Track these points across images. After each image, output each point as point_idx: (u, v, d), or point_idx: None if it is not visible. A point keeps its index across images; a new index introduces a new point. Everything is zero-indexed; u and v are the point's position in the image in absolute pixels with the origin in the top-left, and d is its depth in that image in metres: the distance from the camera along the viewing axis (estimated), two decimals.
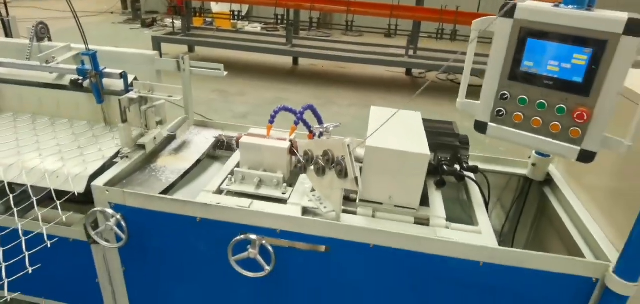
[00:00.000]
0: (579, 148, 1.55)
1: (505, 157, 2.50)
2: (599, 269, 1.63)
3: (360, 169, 1.78)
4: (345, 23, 9.53)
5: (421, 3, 8.46)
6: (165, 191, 2.01)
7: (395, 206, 1.86)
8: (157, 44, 8.35)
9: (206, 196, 1.93)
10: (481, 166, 2.39)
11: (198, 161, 2.33)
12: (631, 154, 1.54)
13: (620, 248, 1.56)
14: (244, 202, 1.88)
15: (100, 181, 1.92)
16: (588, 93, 1.47)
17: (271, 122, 2.08)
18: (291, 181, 2.07)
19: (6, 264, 1.78)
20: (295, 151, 2.00)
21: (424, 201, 1.96)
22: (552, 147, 1.60)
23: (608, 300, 1.62)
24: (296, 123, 2.08)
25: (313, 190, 1.96)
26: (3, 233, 1.91)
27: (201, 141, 2.51)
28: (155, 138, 2.27)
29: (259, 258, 1.76)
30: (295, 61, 9.52)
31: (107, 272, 2.13)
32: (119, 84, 2.31)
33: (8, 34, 5.17)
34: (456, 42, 8.13)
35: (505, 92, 1.61)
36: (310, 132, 2.11)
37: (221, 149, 2.53)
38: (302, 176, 2.07)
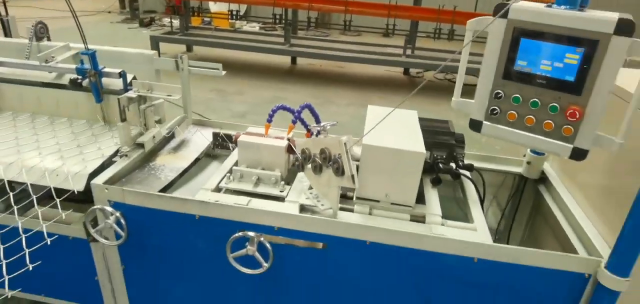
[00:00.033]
0: (571, 146, 1.57)
1: (501, 155, 2.52)
2: (591, 265, 1.66)
3: (357, 167, 1.80)
4: (343, 23, 9.55)
5: (419, 3, 8.49)
6: (164, 189, 2.03)
7: (392, 203, 1.88)
8: (155, 43, 8.36)
9: (205, 194, 1.95)
10: (477, 164, 2.42)
11: (196, 160, 2.35)
12: (623, 152, 1.57)
13: (612, 245, 1.59)
14: (242, 200, 1.90)
15: (99, 179, 1.95)
16: (580, 92, 1.49)
17: (269, 121, 2.10)
18: (289, 179, 2.09)
19: (6, 261, 1.80)
20: (293, 149, 2.02)
21: (420, 198, 1.99)
22: (545, 145, 1.62)
23: (600, 295, 1.65)
24: (294, 122, 2.10)
25: (310, 188, 1.98)
26: (2, 231, 1.93)
27: (200, 139, 2.53)
28: (154, 137, 2.29)
29: (257, 255, 1.79)
30: (294, 61, 9.54)
31: (106, 270, 2.15)
32: (117, 83, 2.33)
33: (7, 33, 5.18)
34: (454, 41, 8.16)
35: (500, 91, 1.63)
36: (308, 131, 2.13)
37: (219, 147, 2.55)
38: (300, 174, 2.09)
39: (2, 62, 2.46)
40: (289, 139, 2.07)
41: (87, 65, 2.28)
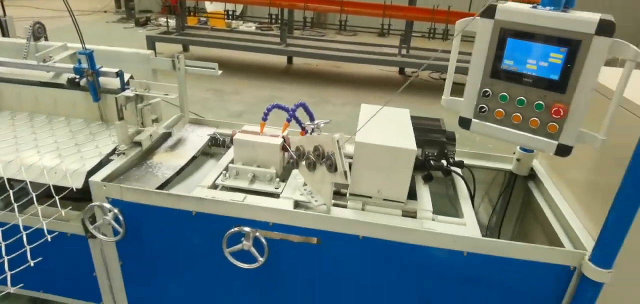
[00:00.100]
0: (556, 142, 1.63)
1: (493, 153, 2.58)
2: (576, 258, 1.71)
3: (350, 164, 1.85)
4: (338, 22, 9.60)
5: (413, 3, 8.55)
6: (162, 187, 2.07)
7: (384, 199, 1.93)
8: (151, 43, 8.38)
9: (201, 190, 1.99)
10: (468, 161, 2.48)
11: (193, 158, 2.39)
12: (607, 149, 1.63)
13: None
14: (238, 196, 1.94)
15: (97, 177, 1.98)
16: (564, 90, 1.55)
17: (264, 119, 2.15)
18: (284, 177, 2.14)
19: (8, 257, 1.83)
20: (287, 147, 2.07)
21: (412, 195, 2.04)
22: (532, 141, 1.68)
23: (584, 287, 1.70)
24: (288, 120, 2.15)
25: (305, 184, 2.03)
26: (2, 229, 1.96)
27: (196, 138, 2.57)
28: (151, 135, 2.33)
29: (253, 250, 1.83)
30: (290, 60, 9.58)
31: (104, 266, 2.18)
32: (115, 83, 2.37)
33: (5, 33, 5.18)
34: (448, 41, 8.19)
35: (487, 89, 1.68)
36: (303, 129, 2.17)
37: (216, 146, 2.59)
38: (295, 171, 2.14)
39: (0, 62, 2.49)
40: (283, 137, 2.11)
41: (85, 65, 2.32)
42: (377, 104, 2.26)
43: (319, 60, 9.22)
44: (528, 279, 1.78)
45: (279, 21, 9.81)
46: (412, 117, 2.20)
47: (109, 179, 2.02)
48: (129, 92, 2.20)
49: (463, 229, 1.85)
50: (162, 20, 11.00)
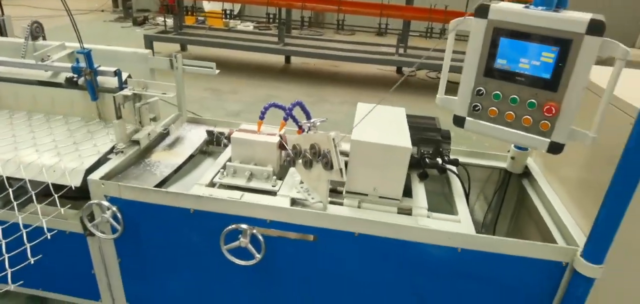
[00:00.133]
0: (548, 140, 1.65)
1: (487, 151, 2.61)
2: (568, 254, 1.74)
3: (346, 162, 1.87)
4: (336, 22, 9.62)
5: (411, 2, 8.57)
6: (160, 185, 2.09)
7: (380, 197, 1.96)
8: (149, 42, 8.38)
9: (199, 188, 2.01)
10: (463, 159, 2.51)
11: (191, 156, 2.41)
12: (599, 147, 1.65)
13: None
14: (236, 194, 1.96)
15: (96, 175, 2.00)
16: (556, 89, 1.57)
17: (261, 118, 2.17)
18: (281, 175, 2.16)
19: (8, 255, 1.85)
20: (284, 145, 2.09)
21: (408, 192, 2.07)
22: (525, 139, 1.70)
23: (576, 282, 1.73)
24: (285, 119, 2.17)
25: (302, 182, 2.05)
26: (1, 227, 1.98)
27: (194, 136, 2.59)
28: (149, 134, 2.35)
29: (250, 247, 1.85)
30: (288, 60, 9.60)
31: (102, 263, 2.20)
32: (113, 82, 2.39)
33: (3, 32, 5.18)
34: (445, 40, 8.25)
35: (481, 88, 1.71)
36: (299, 127, 2.20)
37: (213, 144, 2.61)
38: (292, 169, 2.16)
39: None
40: (280, 136, 2.13)
41: (83, 64, 2.34)
42: (375, 103, 2.29)
43: (316, 60, 9.23)
44: (521, 275, 1.81)
45: (277, 20, 9.83)
46: (408, 116, 2.22)
47: (107, 177, 2.03)
48: (126, 91, 2.22)
49: (457, 226, 1.88)
50: (160, 19, 11.00)
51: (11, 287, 1.74)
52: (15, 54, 2.60)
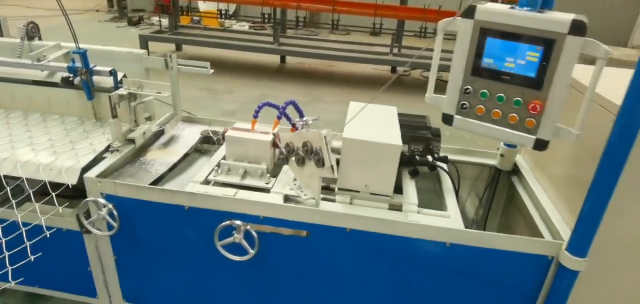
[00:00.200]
0: (534, 137, 1.70)
1: (476, 149, 2.66)
2: (553, 248, 1.79)
3: (337, 160, 1.92)
4: (331, 22, 9.66)
5: (405, 2, 8.62)
6: (155, 183, 2.12)
7: (371, 193, 2.00)
8: (144, 42, 8.38)
9: (194, 186, 2.05)
10: (455, 157, 2.56)
11: (186, 155, 2.44)
12: (583, 144, 1.70)
13: None
14: (230, 191, 2.00)
15: (92, 173, 2.03)
16: (540, 87, 1.62)
17: (255, 116, 2.21)
18: (275, 172, 2.20)
19: (7, 254, 1.88)
20: (278, 143, 2.13)
21: (399, 189, 2.11)
22: (511, 136, 1.75)
23: (562, 276, 1.78)
24: (279, 117, 2.21)
25: (295, 180, 2.09)
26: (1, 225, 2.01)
27: (189, 135, 2.62)
28: (144, 133, 2.38)
29: (244, 242, 1.89)
30: (283, 60, 9.62)
31: (99, 261, 2.23)
32: (108, 81, 2.41)
33: None
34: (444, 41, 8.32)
35: (469, 86, 1.75)
36: (293, 126, 2.23)
37: (208, 143, 2.64)
38: (285, 167, 2.20)
39: None
40: (274, 134, 2.17)
41: (79, 64, 2.36)
42: (367, 102, 2.33)
43: (311, 60, 9.26)
44: (509, 269, 1.86)
45: (272, 20, 9.85)
46: (399, 115, 2.27)
47: (103, 175, 2.07)
48: (122, 91, 2.25)
49: (446, 221, 1.93)
50: (155, 19, 10.97)
51: (12, 284, 1.77)
52: (11, 54, 2.63)
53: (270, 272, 2.06)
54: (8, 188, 2.01)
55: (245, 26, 12.53)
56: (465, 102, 1.78)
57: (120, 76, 2.41)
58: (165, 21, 9.49)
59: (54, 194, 1.98)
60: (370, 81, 8.80)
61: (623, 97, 1.43)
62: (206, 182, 2.11)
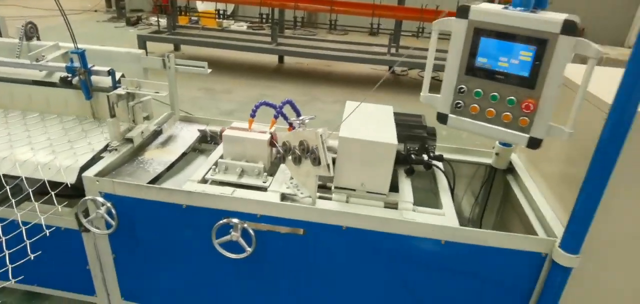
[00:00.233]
0: (527, 136, 1.72)
1: (472, 148, 2.68)
2: (547, 245, 1.81)
3: (334, 159, 1.93)
4: (329, 22, 9.67)
5: (402, 2, 8.65)
6: (153, 182, 2.14)
7: (367, 192, 2.02)
8: (142, 42, 8.39)
9: (191, 185, 2.07)
10: (451, 156, 2.59)
11: (184, 154, 2.46)
12: (577, 142, 1.73)
13: None
14: (227, 190, 2.02)
15: (91, 172, 2.05)
16: (533, 86, 1.64)
17: (252, 116, 2.23)
18: (272, 171, 2.21)
19: (7, 253, 1.89)
20: (275, 142, 2.15)
21: (395, 188, 2.13)
22: (505, 135, 1.77)
23: (555, 272, 1.81)
24: (276, 117, 2.23)
25: (292, 178, 2.11)
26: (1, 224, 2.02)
27: (187, 135, 2.64)
28: (142, 132, 2.40)
29: (241, 240, 1.91)
30: (281, 59, 9.64)
31: (97, 259, 2.25)
32: (106, 81, 2.43)
33: None
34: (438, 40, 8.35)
35: (463, 86, 1.78)
36: (290, 125, 2.25)
37: (206, 142, 2.66)
38: (282, 166, 2.22)
39: None
40: (271, 133, 2.19)
41: (77, 64, 2.38)
42: (366, 102, 2.36)
43: (309, 60, 9.28)
44: (503, 266, 1.88)
45: (270, 21, 9.87)
46: (395, 114, 2.29)
47: (101, 174, 2.08)
48: (120, 90, 2.27)
49: (441, 219, 1.95)
50: (153, 19, 11.00)
51: (12, 282, 1.78)
52: (10, 54, 2.64)
53: (267, 270, 2.07)
54: (8, 187, 2.03)
55: (243, 26, 12.54)
56: (460, 102, 1.80)
57: (118, 75, 2.43)
58: (163, 21, 9.51)
59: (53, 193, 1.99)
60: (368, 81, 8.82)
61: (614, 95, 1.45)
62: (204, 181, 2.12)
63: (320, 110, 6.87)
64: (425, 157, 2.26)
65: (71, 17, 2.18)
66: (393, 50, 8.34)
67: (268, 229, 1.94)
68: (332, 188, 2.05)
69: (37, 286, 2.45)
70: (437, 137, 2.32)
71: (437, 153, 2.32)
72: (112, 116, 2.23)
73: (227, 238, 1.91)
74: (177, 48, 9.59)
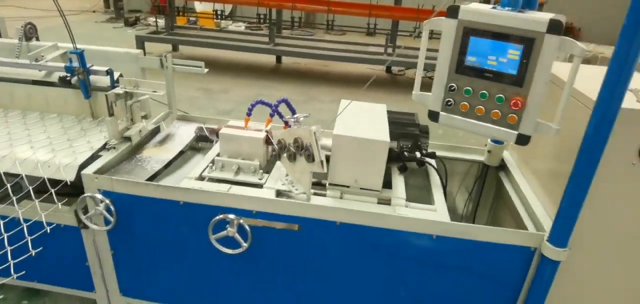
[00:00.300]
0: (516, 132, 1.76)
1: (464, 145, 2.73)
2: (536, 239, 1.86)
3: (328, 156, 1.98)
4: (326, 22, 9.71)
5: (399, 3, 8.70)
6: (151, 179, 2.18)
7: (361, 188, 2.06)
8: (140, 43, 8.42)
9: (188, 182, 2.11)
10: (445, 153, 2.64)
11: (181, 152, 2.50)
12: (565, 138, 1.77)
13: None
14: (223, 187, 2.06)
15: (89, 170, 2.09)
16: (521, 84, 1.68)
17: (248, 114, 2.27)
18: (268, 169, 2.26)
19: (7, 249, 1.93)
20: (271, 140, 2.19)
21: (389, 185, 2.17)
22: (494, 132, 1.81)
23: (544, 266, 1.85)
24: (271, 115, 2.27)
25: (287, 175, 2.15)
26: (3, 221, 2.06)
27: (184, 133, 2.68)
28: (140, 131, 2.43)
29: (237, 236, 1.95)
30: (279, 60, 9.68)
31: (96, 255, 2.28)
32: (105, 81, 2.47)
33: None
34: (432, 40, 8.34)
35: (453, 84, 1.82)
36: (286, 123, 2.29)
37: (203, 141, 2.70)
38: (278, 163, 2.26)
39: None
40: (267, 131, 2.23)
41: (76, 64, 2.42)
42: (363, 102, 2.41)
43: (307, 60, 9.32)
44: (493, 260, 1.93)
45: (268, 21, 9.91)
46: (389, 112, 2.33)
47: (100, 172, 2.12)
48: (118, 90, 2.31)
49: (433, 215, 1.99)
50: (151, 20, 11.01)
51: (14, 277, 1.82)
52: (10, 54, 2.68)
53: (263, 264, 2.12)
54: (8, 185, 2.06)
55: (241, 27, 12.57)
56: (450, 99, 1.84)
57: (116, 75, 2.47)
58: (161, 22, 9.53)
59: (53, 190, 2.03)
60: (365, 81, 8.85)
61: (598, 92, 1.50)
62: (201, 178, 2.16)
63: (317, 110, 6.91)
64: (418, 154, 2.30)
65: (69, 17, 2.21)
66: (390, 50, 8.38)
67: (263, 225, 1.98)
68: (327, 185, 2.09)
69: (37, 282, 2.49)
70: (429, 134, 2.37)
71: (429, 150, 2.36)
72: (111, 114, 2.27)
73: (223, 233, 1.95)
74: (175, 48, 9.62)
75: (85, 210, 2.12)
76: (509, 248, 1.88)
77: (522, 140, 1.77)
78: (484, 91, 1.76)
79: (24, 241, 1.97)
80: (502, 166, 2.60)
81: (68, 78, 2.47)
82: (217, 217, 1.94)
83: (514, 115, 1.74)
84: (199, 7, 11.93)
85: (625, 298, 2.00)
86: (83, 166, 2.14)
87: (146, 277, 2.31)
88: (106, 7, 14.49)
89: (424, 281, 2.04)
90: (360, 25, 10.23)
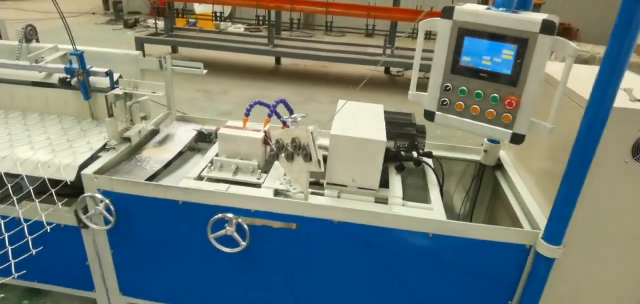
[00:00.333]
0: (511, 131, 1.79)
1: (460, 145, 2.75)
2: (531, 237, 1.88)
3: (325, 156, 2.00)
4: (324, 23, 9.74)
5: (397, 4, 8.73)
6: (150, 179, 2.19)
7: (358, 187, 2.08)
8: (140, 44, 8.44)
9: (187, 182, 2.13)
10: (442, 153, 2.66)
11: (180, 152, 2.52)
12: (558, 137, 1.80)
13: None
14: (222, 187, 2.08)
15: (89, 170, 2.11)
16: (516, 83, 1.71)
17: (247, 115, 2.28)
18: (266, 169, 2.28)
19: (7, 249, 1.95)
20: (269, 140, 2.21)
21: (386, 184, 2.20)
22: (489, 131, 1.83)
23: (539, 263, 1.87)
24: (269, 115, 2.29)
25: (285, 175, 2.17)
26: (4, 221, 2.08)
27: (183, 134, 2.70)
28: (139, 131, 2.46)
29: (235, 235, 1.97)
30: (278, 61, 9.71)
31: (96, 255, 2.30)
32: (104, 82, 2.49)
33: None
34: (430, 41, 8.39)
35: (448, 84, 1.84)
36: (284, 124, 2.31)
37: (202, 141, 2.72)
38: (276, 163, 2.28)
39: None
40: (265, 131, 2.25)
41: (76, 65, 2.44)
42: (362, 102, 2.43)
43: (306, 61, 9.35)
44: (489, 258, 1.95)
45: (267, 22, 9.93)
46: (386, 112, 2.35)
47: (100, 172, 2.14)
48: (118, 91, 2.33)
49: (429, 213, 2.01)
50: (151, 21, 11.04)
51: (15, 276, 1.84)
52: (10, 56, 2.70)
53: (261, 263, 2.14)
54: (9, 185, 2.08)
55: (240, 28, 12.59)
56: (446, 99, 1.87)
57: (116, 76, 2.49)
58: (160, 23, 9.56)
59: (53, 190, 2.05)
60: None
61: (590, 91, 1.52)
62: (199, 178, 2.19)
63: (316, 110, 6.93)
64: (414, 154, 2.32)
65: (69, 19, 2.24)
66: (388, 52, 8.41)
67: (262, 223, 2.00)
68: (325, 184, 2.12)
69: (38, 281, 2.50)
70: (426, 134, 2.39)
71: (426, 150, 2.39)
72: (110, 115, 2.29)
73: (222, 232, 1.97)
74: (174, 50, 9.65)
75: (85, 210, 2.14)
76: (504, 245, 1.90)
77: (517, 139, 1.79)
78: (479, 91, 1.79)
79: (25, 240, 1.99)
80: (499, 165, 2.62)
81: (68, 79, 2.49)
82: (216, 217, 1.96)
83: (509, 114, 1.76)
84: (198, 8, 11.95)
85: (619, 294, 2.02)
86: (83, 166, 2.16)
87: (146, 276, 2.33)
88: (105, 9, 14.52)
89: (420, 279, 2.06)
90: (359, 27, 10.25)
